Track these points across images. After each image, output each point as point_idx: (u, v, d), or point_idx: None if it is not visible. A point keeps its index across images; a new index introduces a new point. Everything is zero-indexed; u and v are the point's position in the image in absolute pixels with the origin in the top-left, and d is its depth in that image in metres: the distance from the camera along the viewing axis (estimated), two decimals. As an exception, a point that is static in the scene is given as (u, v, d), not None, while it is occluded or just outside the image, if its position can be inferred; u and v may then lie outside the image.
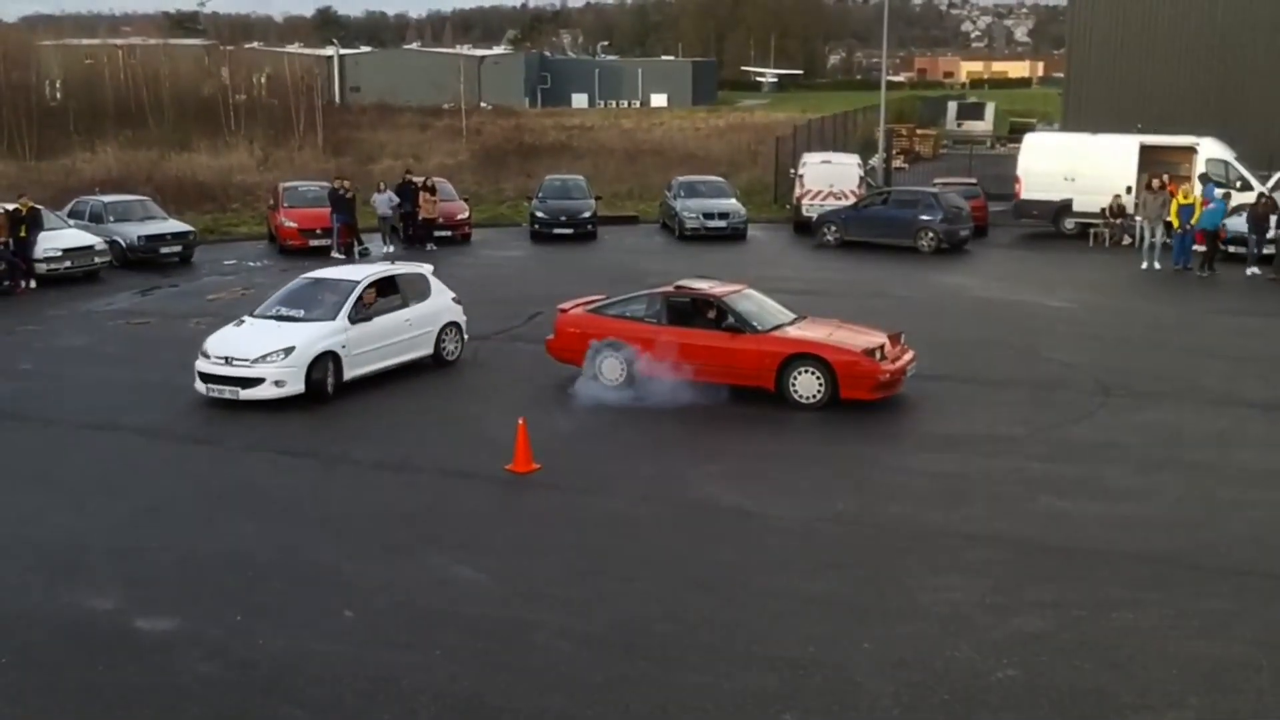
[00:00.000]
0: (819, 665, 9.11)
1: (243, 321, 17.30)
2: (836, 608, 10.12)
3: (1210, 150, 31.91)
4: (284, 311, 17.17)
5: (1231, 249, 27.89)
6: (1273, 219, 26.97)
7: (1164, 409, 15.95)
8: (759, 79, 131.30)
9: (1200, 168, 31.39)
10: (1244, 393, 16.76)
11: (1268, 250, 26.89)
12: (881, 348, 15.91)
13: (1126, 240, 30.03)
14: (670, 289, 17.24)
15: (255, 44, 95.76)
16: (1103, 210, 31.05)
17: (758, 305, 16.96)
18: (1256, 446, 14.41)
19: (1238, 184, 30.68)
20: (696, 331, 16.44)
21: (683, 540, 11.69)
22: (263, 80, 70.66)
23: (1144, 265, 27.92)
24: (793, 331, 16.45)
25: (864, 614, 9.97)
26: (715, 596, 10.36)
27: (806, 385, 15.73)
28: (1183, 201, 27.63)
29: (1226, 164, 31.63)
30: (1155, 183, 28.47)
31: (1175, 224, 27.57)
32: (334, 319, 16.64)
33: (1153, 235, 27.94)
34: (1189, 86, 40.84)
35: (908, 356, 16.28)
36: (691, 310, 16.90)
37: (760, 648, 9.39)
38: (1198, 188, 28.92)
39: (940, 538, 11.62)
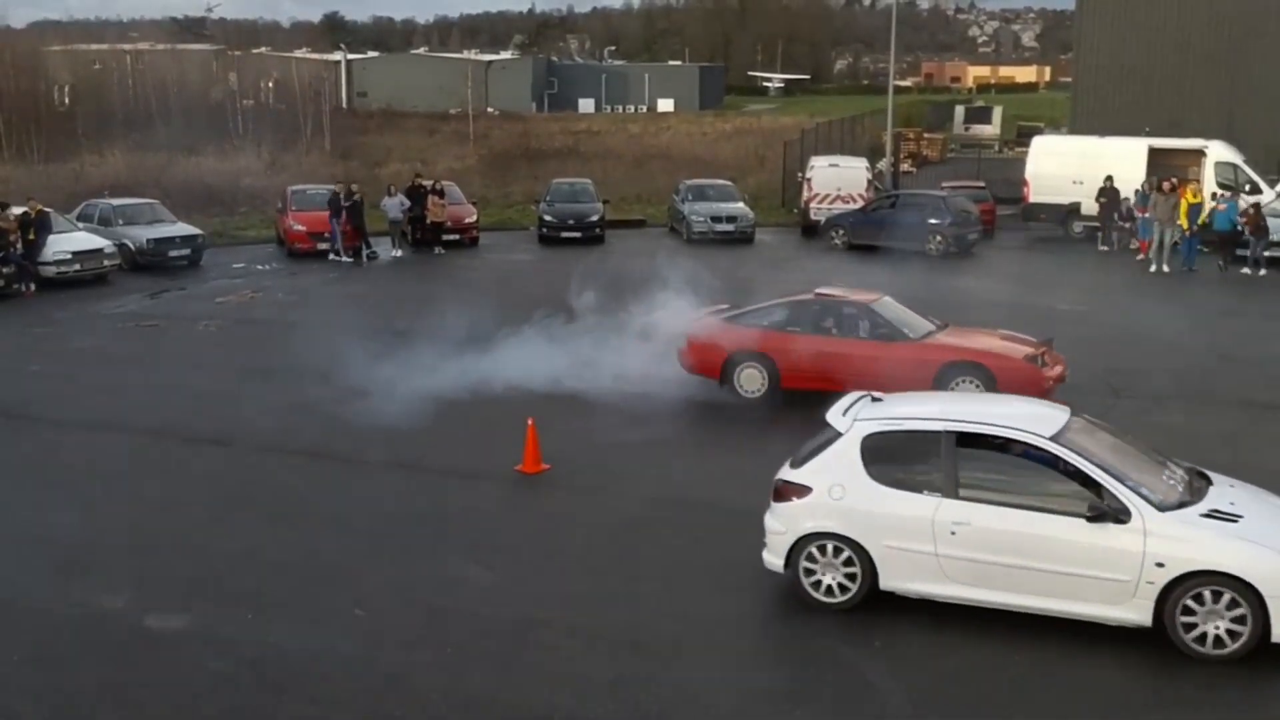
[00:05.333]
0: (830, 664, 9.11)
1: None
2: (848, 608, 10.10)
3: (1219, 154, 31.89)
4: None
5: (1237, 251, 27.89)
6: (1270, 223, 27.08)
7: (1174, 411, 15.92)
8: (766, 84, 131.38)
9: (1209, 171, 31.37)
10: (1255, 395, 16.73)
11: (1273, 253, 26.93)
12: (1042, 354, 15.38)
13: (1134, 244, 30.00)
14: (810, 297, 16.71)
15: (263, 49, 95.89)
16: (1098, 197, 30.93)
17: (901, 313, 16.41)
18: (1269, 447, 14.37)
19: (1246, 187, 30.65)
20: (845, 340, 15.89)
21: (692, 540, 11.69)
22: (270, 85, 70.80)
23: (1153, 268, 27.92)
24: (947, 339, 15.89)
25: (875, 613, 9.96)
26: (724, 595, 10.36)
27: None
28: (1192, 200, 27.66)
29: (1235, 167, 31.61)
30: (1166, 185, 28.45)
31: (1185, 225, 27.60)
32: None
33: (1162, 237, 27.97)
34: (1197, 90, 40.83)
35: (1061, 366, 15.55)
36: (837, 318, 16.33)
37: (770, 646, 9.40)
38: (1207, 190, 28.95)
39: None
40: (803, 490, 10.05)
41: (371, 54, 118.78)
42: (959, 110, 72.85)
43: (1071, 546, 9.14)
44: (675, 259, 28.18)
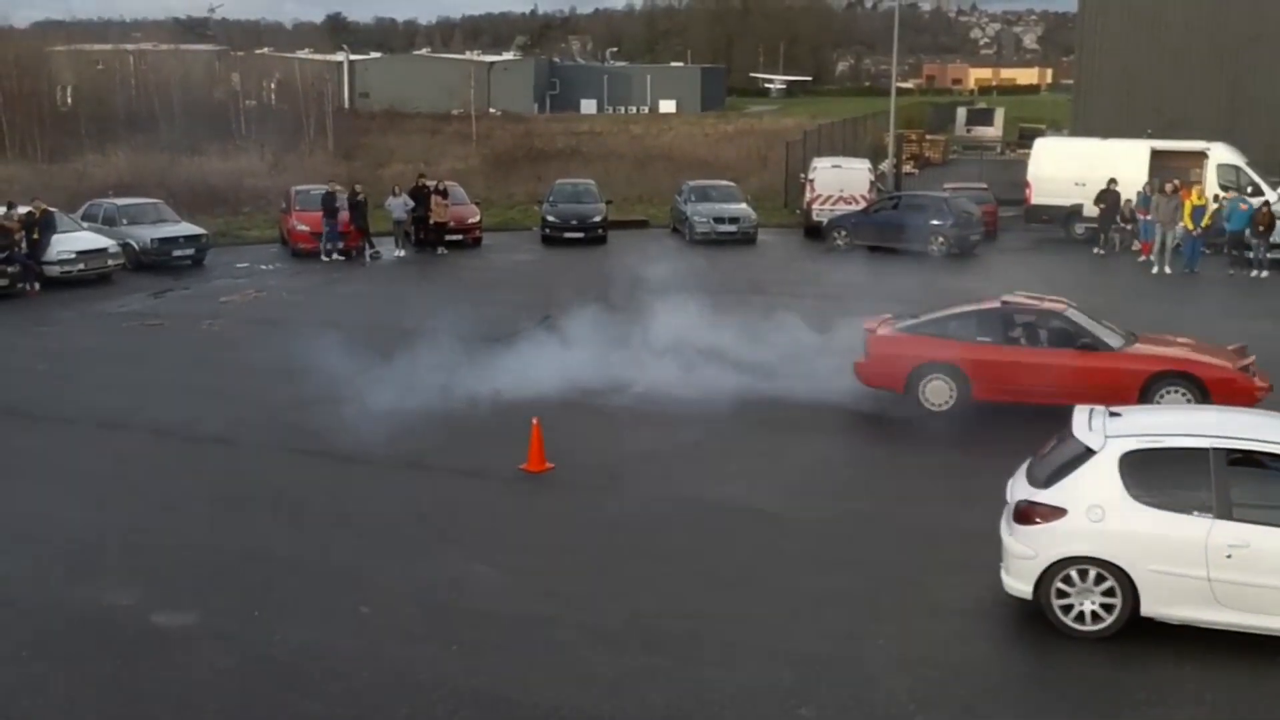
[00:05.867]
0: (835, 661, 9.15)
1: None
2: (852, 605, 10.15)
3: (1221, 155, 31.91)
4: None
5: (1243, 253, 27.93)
6: (1279, 225, 27.08)
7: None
8: (768, 85, 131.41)
9: (1211, 173, 31.39)
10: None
11: (1276, 255, 26.96)
12: (1250, 363, 14.95)
13: (1136, 245, 30.03)
14: (997, 304, 16.06)
15: (265, 50, 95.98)
16: (1098, 199, 30.91)
17: (1093, 322, 15.86)
18: None
19: (1249, 189, 30.67)
20: (1042, 350, 15.39)
21: (697, 539, 11.73)
22: (273, 86, 70.86)
23: (1154, 270, 27.96)
24: (1150, 348, 15.43)
25: (880, 611, 10.01)
26: (731, 593, 10.40)
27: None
28: (1196, 203, 27.71)
29: (1237, 169, 31.63)
30: (1168, 187, 28.49)
31: (1191, 226, 27.65)
32: None
33: (1164, 239, 28.02)
34: (1199, 92, 40.84)
35: (1266, 378, 14.98)
36: (1029, 327, 15.77)
37: (777, 643, 9.43)
38: (1209, 192, 29.00)
39: (957, 536, 11.63)
40: (1056, 512, 9.48)
41: (374, 55, 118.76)
42: (961, 112, 72.86)
43: None
44: (678, 260, 28.30)
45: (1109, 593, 9.34)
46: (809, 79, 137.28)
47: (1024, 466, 10.33)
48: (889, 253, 30.02)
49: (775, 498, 12.76)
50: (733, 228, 33.19)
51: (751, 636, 9.55)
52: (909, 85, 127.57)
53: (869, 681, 8.85)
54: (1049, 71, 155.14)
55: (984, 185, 37.04)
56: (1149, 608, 9.30)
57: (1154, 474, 9.34)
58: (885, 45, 56.35)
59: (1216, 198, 29.36)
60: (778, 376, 17.03)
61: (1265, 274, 26.86)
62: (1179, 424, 9.96)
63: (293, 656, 9.28)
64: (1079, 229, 32.71)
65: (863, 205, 33.15)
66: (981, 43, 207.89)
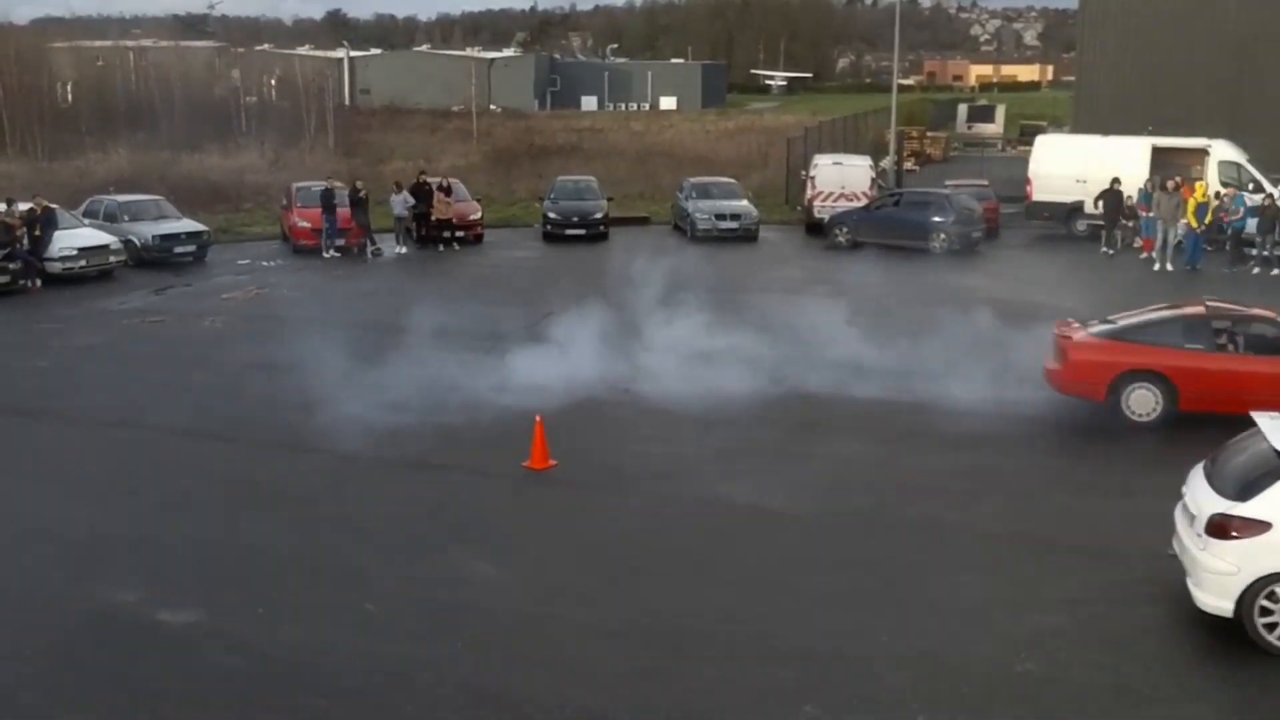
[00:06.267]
0: (839, 659, 9.17)
1: None
2: (855, 603, 10.16)
3: (1222, 153, 31.90)
4: None
5: (1243, 249, 27.95)
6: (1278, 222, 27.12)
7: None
8: (768, 82, 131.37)
9: (1212, 169, 31.39)
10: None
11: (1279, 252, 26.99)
12: None
13: (1138, 243, 30.02)
14: (1200, 309, 15.50)
15: (265, 46, 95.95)
16: (1100, 198, 30.87)
17: None
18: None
19: (1250, 186, 30.66)
20: (1257, 359, 14.75)
21: (700, 537, 11.75)
22: (273, 82, 70.85)
23: (1156, 267, 27.97)
24: None
25: (883, 609, 10.02)
26: (734, 591, 10.41)
27: None
28: (1199, 200, 27.73)
29: (1239, 166, 31.62)
30: (1169, 184, 28.49)
31: (1194, 224, 27.67)
32: None
33: (1166, 236, 28.05)
34: (1200, 89, 40.81)
35: None
36: (1236, 334, 15.16)
37: (780, 642, 9.44)
38: (1211, 189, 29.03)
39: (958, 534, 11.66)
40: (1258, 526, 9.01)
41: (374, 51, 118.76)
42: (962, 109, 72.80)
43: None
44: (681, 257, 28.32)
45: None
46: (810, 75, 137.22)
47: (1197, 476, 10.02)
48: (890, 250, 30.00)
49: (779, 497, 12.77)
50: (734, 225, 33.19)
51: (756, 634, 9.56)
52: (910, 82, 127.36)
53: (873, 679, 8.86)
54: (1050, 68, 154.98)
55: (985, 182, 37.02)
56: None
57: None
58: (886, 42, 56.33)
59: (1218, 194, 29.35)
60: (787, 376, 17.07)
61: (1276, 271, 26.82)
62: None
63: (297, 655, 9.29)
64: (1080, 226, 32.71)
65: (864, 202, 33.14)
66: (982, 39, 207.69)
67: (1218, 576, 9.16)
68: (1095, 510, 12.38)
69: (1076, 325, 15.96)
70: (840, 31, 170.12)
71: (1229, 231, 28.37)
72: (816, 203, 34.16)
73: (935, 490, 12.96)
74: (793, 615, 9.94)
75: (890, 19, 48.11)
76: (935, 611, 9.97)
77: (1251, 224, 28.11)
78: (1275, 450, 9.32)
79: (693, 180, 36.31)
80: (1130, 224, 30.59)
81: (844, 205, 33.26)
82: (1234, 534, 9.10)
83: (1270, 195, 28.60)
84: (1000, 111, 70.20)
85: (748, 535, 11.76)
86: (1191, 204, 27.80)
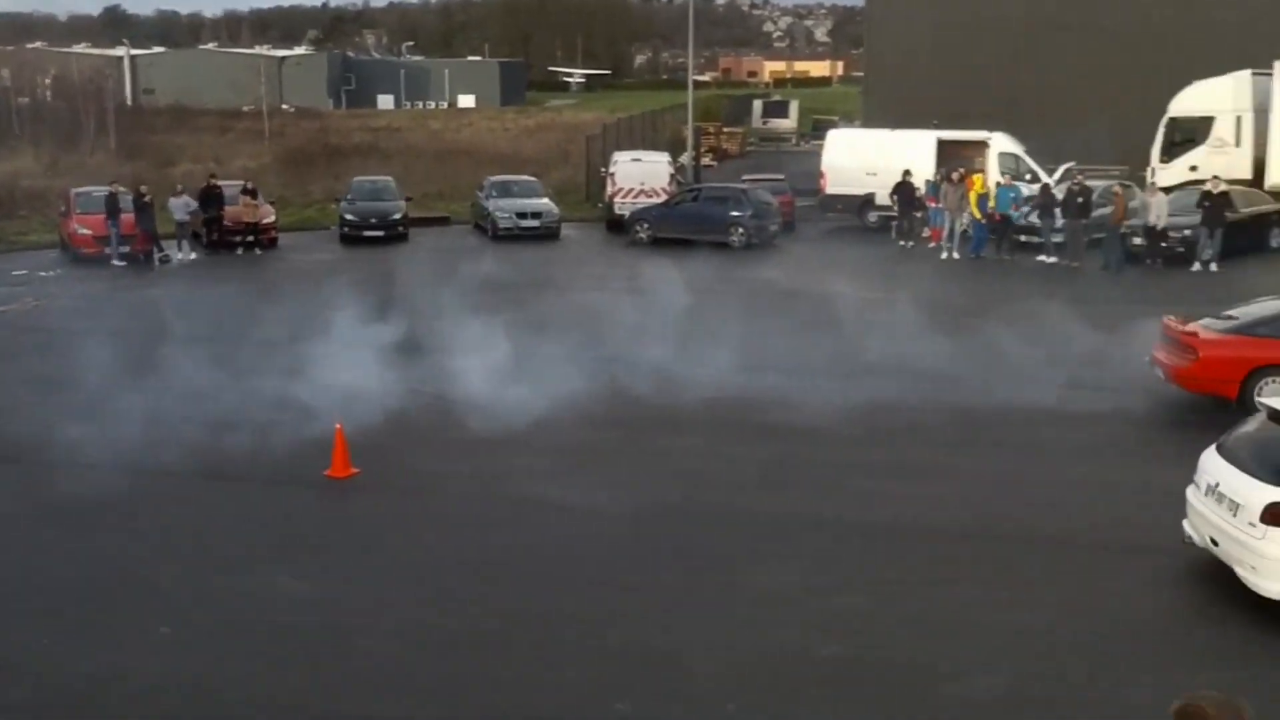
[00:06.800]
0: (649, 654, 9.19)
1: None
2: (664, 596, 10.22)
3: (1001, 145, 33.35)
4: None
5: (1024, 238, 29.23)
6: (1057, 210, 28.45)
7: (964, 391, 16.54)
8: (567, 79, 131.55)
9: (993, 161, 32.79)
10: (1044, 374, 17.47)
11: (1057, 239, 28.31)
12: None
13: (926, 232, 31.15)
14: None
15: (38, 44, 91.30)
16: (894, 191, 31.89)
17: None
18: (1054, 424, 15.11)
19: (1028, 176, 32.13)
20: None
21: (507, 537, 11.63)
22: (47, 82, 67.44)
23: (944, 255, 29.10)
24: None
25: (690, 601, 10.11)
26: (543, 591, 10.35)
27: None
28: (979, 191, 28.97)
29: (1017, 157, 33.12)
30: (955, 175, 29.68)
31: (976, 214, 28.86)
32: None
33: (956, 226, 29.21)
34: (982, 82, 42.57)
35: None
36: None
37: (590, 640, 9.42)
38: (991, 180, 30.37)
39: (762, 523, 11.85)
40: None
41: (157, 50, 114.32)
42: (757, 104, 74.32)
43: None
44: (482, 256, 28.10)
45: None
46: (608, 72, 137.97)
47: (1218, 461, 10.04)
48: (691, 245, 30.39)
49: (591, 494, 12.75)
50: (535, 223, 33.15)
51: (567, 634, 9.52)
52: (706, 78, 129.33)
53: (683, 672, 8.92)
54: (840, 64, 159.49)
55: (781, 176, 37.88)
56: None
57: None
58: (682, 38, 57.04)
59: (999, 184, 30.68)
60: (596, 373, 17.05)
61: (1055, 259, 28.11)
62: None
63: (89, 684, 8.83)
64: (872, 217, 33.77)
65: (664, 198, 33.51)
66: (775, 36, 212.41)
67: (1277, 563, 9.09)
68: (901, 491, 12.74)
69: (1188, 321, 15.85)
70: (637, 28, 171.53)
71: (1017, 222, 29.49)
72: (617, 199, 34.38)
73: (744, 481, 13.16)
74: (605, 612, 9.93)
75: (686, 15, 48.70)
76: (744, 600, 10.11)
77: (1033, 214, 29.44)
78: None
79: (493, 179, 36.11)
80: (919, 215, 31.73)
81: (644, 201, 33.57)
82: None
83: (1046, 185, 30.06)
84: (794, 107, 71.96)
85: (559, 534, 11.70)
86: (973, 195, 29.01)
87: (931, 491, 12.68)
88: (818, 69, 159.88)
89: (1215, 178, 27.81)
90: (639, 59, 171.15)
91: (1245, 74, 31.88)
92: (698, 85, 53.41)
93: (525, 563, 10.99)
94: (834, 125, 47.72)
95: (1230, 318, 15.75)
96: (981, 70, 43.21)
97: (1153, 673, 8.73)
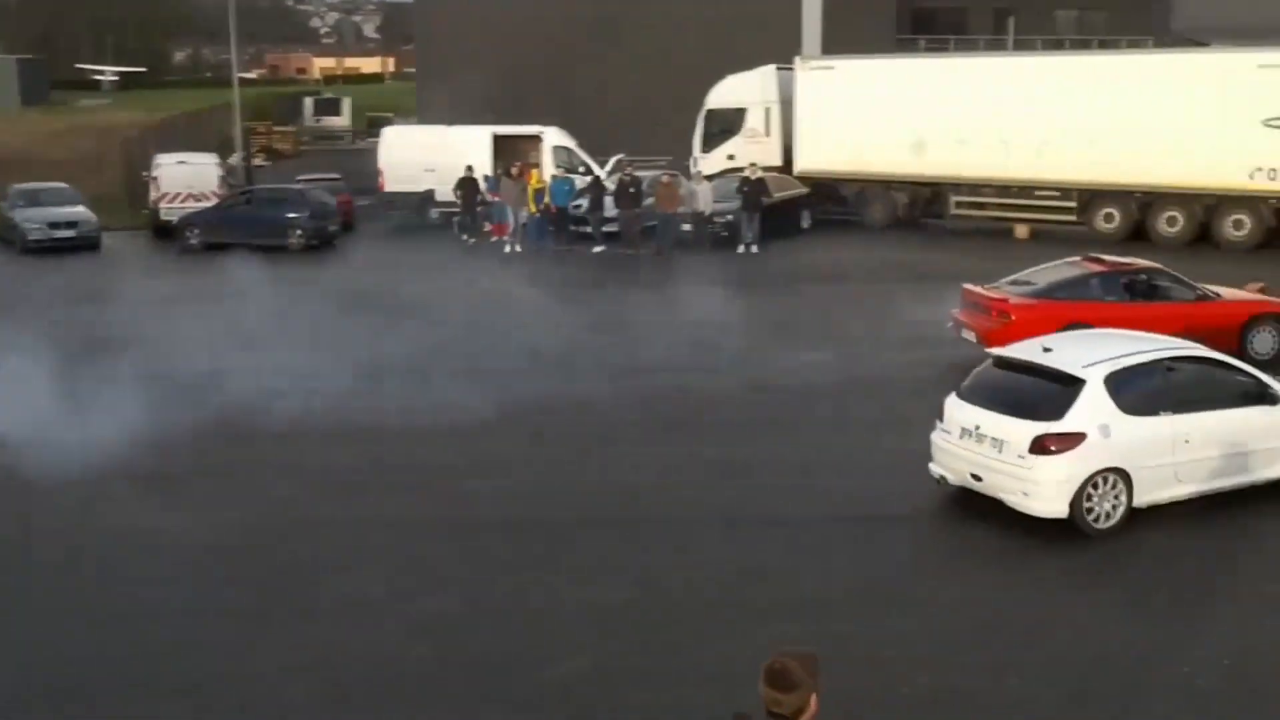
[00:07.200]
0: (231, 683, 8.70)
1: None
2: (243, 620, 9.70)
3: (554, 139, 34.19)
4: None
5: (581, 229, 30.13)
6: (606, 200, 29.51)
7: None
8: (98, 77, 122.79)
9: (547, 155, 33.57)
10: (613, 357, 18.06)
11: (611, 229, 29.39)
12: None
13: (488, 227, 31.45)
14: (1105, 268, 17.27)
15: None
16: (457, 187, 31.98)
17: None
18: (603, 408, 15.63)
19: (581, 169, 33.14)
20: (1174, 305, 16.68)
21: (88, 572, 10.67)
22: None
23: (508, 249, 29.47)
24: (1239, 295, 17.61)
25: (270, 621, 9.67)
26: (115, 630, 9.55)
27: (1263, 342, 16.88)
28: (536, 186, 29.60)
29: (570, 150, 34.07)
30: (514, 170, 30.13)
31: (533, 207, 29.46)
32: None
33: (518, 219, 29.67)
34: (534, 78, 43.48)
35: None
36: (1151, 286, 17.04)
37: (164, 676, 8.81)
38: (547, 173, 31.12)
39: (340, 530, 11.52)
40: (1076, 438, 10.86)
41: None
42: (308, 102, 72.41)
43: (1264, 429, 11.59)
44: (20, 271, 25.65)
45: (1118, 494, 11.00)
46: (144, 70, 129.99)
47: (966, 408, 11.55)
48: (246, 249, 29.10)
49: (152, 516, 11.89)
50: (71, 233, 30.70)
51: (141, 673, 8.83)
52: (252, 76, 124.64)
53: (267, 695, 8.50)
54: (391, 60, 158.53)
55: (338, 175, 37.04)
56: (1139, 499, 11.13)
57: (1129, 389, 11.21)
58: (225, 34, 54.58)
59: (553, 177, 31.45)
60: (141, 398, 15.84)
61: (601, 248, 29.11)
62: (1119, 347, 11.83)
63: None
64: (433, 214, 33.67)
65: (215, 201, 31.97)
66: (323, 32, 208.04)
67: (1051, 485, 10.83)
68: (484, 488, 12.72)
69: (989, 288, 17.33)
70: (175, 23, 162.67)
71: (572, 213, 30.25)
72: (163, 204, 32.46)
73: (328, 488, 12.73)
74: (178, 644, 9.28)
75: (226, 12, 46.68)
76: (324, 613, 9.77)
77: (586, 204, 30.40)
78: (1067, 375, 11.23)
79: (19, 187, 33.06)
80: (480, 209, 32.00)
81: (193, 205, 31.87)
82: (1052, 448, 10.83)
83: (597, 177, 31.12)
84: (347, 104, 70.72)
85: (131, 562, 10.85)
86: (530, 189, 29.61)
87: (507, 485, 12.79)
88: (369, 65, 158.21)
89: (752, 165, 29.83)
90: (178, 55, 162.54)
91: (771, 69, 34.30)
92: (244, 83, 51.43)
93: (91, 598, 10.11)
94: (389, 122, 47.27)
95: (1025, 283, 17.59)
96: (533, 65, 44.17)
97: (732, 634, 9.20)
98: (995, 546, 11.04)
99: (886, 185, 32.10)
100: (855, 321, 20.52)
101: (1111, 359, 11.43)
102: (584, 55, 44.49)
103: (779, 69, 34.10)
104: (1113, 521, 11.05)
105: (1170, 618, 9.62)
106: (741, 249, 28.43)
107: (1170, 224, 28.09)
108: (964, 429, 11.55)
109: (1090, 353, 11.69)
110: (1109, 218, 28.89)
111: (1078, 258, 18.33)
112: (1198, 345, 12.40)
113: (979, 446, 11.37)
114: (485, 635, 9.38)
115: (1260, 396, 11.81)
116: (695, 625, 9.52)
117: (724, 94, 34.67)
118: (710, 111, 34.80)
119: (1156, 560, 10.75)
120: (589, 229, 29.84)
